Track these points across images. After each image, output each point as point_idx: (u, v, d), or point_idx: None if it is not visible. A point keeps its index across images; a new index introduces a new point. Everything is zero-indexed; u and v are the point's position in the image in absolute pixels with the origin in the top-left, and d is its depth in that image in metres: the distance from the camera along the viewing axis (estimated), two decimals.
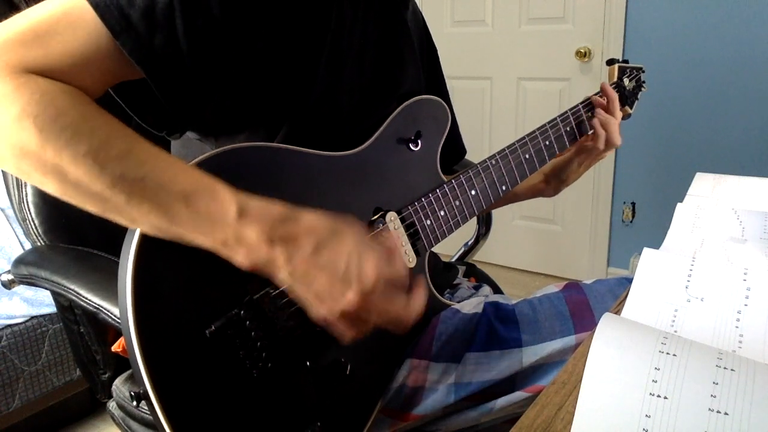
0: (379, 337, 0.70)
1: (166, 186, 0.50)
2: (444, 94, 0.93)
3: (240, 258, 0.52)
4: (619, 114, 0.93)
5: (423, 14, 0.92)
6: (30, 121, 0.47)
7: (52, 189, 0.50)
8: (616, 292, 0.72)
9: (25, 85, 0.48)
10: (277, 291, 0.60)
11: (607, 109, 0.92)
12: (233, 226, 0.51)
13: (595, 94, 0.94)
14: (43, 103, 0.47)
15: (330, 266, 0.53)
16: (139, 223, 0.51)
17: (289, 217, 0.54)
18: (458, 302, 0.79)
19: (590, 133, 0.92)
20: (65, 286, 0.77)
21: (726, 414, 0.36)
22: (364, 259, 0.54)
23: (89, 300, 0.73)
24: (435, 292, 0.77)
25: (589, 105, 0.92)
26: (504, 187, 0.82)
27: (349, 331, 0.57)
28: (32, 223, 0.90)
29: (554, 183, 0.97)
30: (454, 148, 0.95)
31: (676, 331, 0.51)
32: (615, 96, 0.93)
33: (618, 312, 0.55)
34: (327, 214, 0.56)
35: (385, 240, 0.59)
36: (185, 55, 0.55)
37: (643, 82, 1.05)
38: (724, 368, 0.38)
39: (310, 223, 0.54)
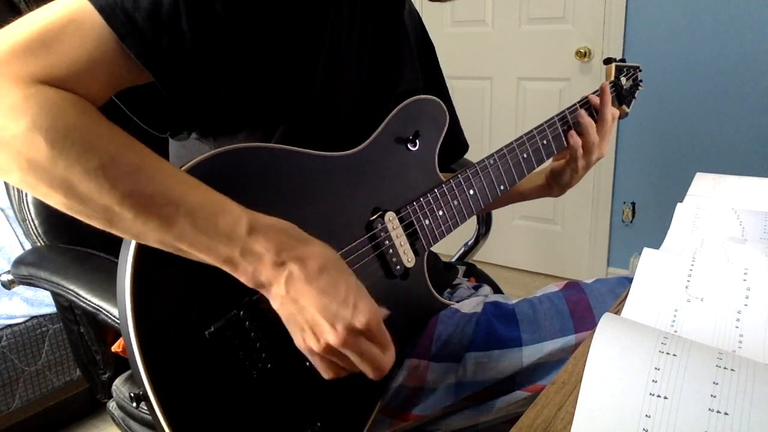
0: None
1: (175, 202, 0.50)
2: (443, 92, 0.93)
3: (244, 275, 0.53)
4: (604, 116, 0.90)
5: (423, 14, 0.92)
6: (41, 135, 0.46)
7: (57, 202, 0.49)
8: (616, 292, 0.72)
9: (34, 96, 0.47)
10: None
11: (599, 111, 0.91)
12: (242, 241, 0.51)
13: (594, 93, 0.94)
14: (53, 115, 0.47)
15: (326, 295, 0.53)
16: (144, 237, 0.51)
17: (299, 238, 0.54)
18: (458, 302, 0.79)
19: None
20: (65, 287, 0.77)
21: (726, 414, 0.36)
22: (360, 300, 0.54)
23: (89, 300, 0.73)
24: (434, 292, 0.77)
25: (586, 104, 0.92)
26: (502, 187, 0.82)
27: (328, 369, 0.56)
28: (32, 223, 0.90)
29: (557, 186, 0.97)
30: (456, 144, 0.95)
31: (676, 331, 0.50)
32: (608, 99, 0.91)
33: (618, 312, 0.55)
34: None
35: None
36: (191, 56, 0.55)
37: (641, 80, 1.05)
38: (724, 368, 0.38)
39: (319, 248, 0.55)
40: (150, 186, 0.49)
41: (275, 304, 0.54)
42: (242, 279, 0.53)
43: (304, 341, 0.54)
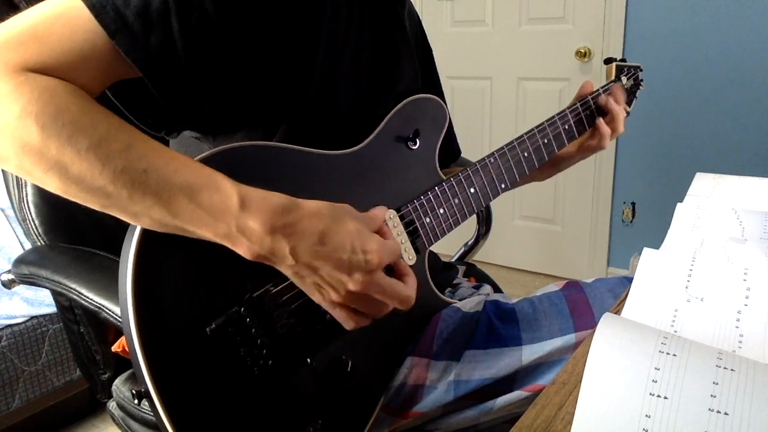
0: (380, 335, 0.70)
1: (168, 179, 0.50)
2: (440, 93, 0.93)
3: (243, 250, 0.53)
4: (615, 112, 0.92)
5: (423, 14, 0.92)
6: (32, 119, 0.47)
7: (54, 186, 0.50)
8: (616, 292, 0.72)
9: (25, 83, 0.48)
10: (277, 288, 0.60)
11: (610, 109, 0.92)
12: (236, 217, 0.52)
13: (594, 93, 0.94)
14: (43, 100, 0.48)
15: (334, 253, 0.54)
16: (141, 217, 0.51)
17: (290, 206, 0.54)
18: (459, 300, 0.79)
19: (590, 129, 0.92)
20: (66, 286, 0.77)
21: (726, 414, 0.36)
22: (366, 243, 0.56)
23: (91, 299, 0.73)
24: (435, 290, 0.77)
25: (586, 104, 0.92)
26: (503, 185, 0.82)
27: (355, 317, 0.58)
28: (32, 223, 0.90)
29: (548, 171, 0.97)
30: (448, 149, 0.95)
31: (676, 331, 0.51)
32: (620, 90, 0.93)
33: (618, 312, 0.55)
34: (324, 201, 0.57)
35: (373, 220, 0.61)
36: (181, 53, 0.55)
37: (641, 80, 1.05)
38: (724, 368, 0.38)
39: (312, 211, 0.55)
40: (142, 163, 0.50)
41: (288, 273, 0.55)
42: (242, 253, 0.53)
43: (323, 297, 0.57)
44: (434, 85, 0.93)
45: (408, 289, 0.59)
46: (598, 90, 0.95)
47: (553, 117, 0.88)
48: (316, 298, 0.57)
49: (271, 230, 0.52)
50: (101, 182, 0.49)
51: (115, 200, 0.50)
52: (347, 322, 0.58)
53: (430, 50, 0.94)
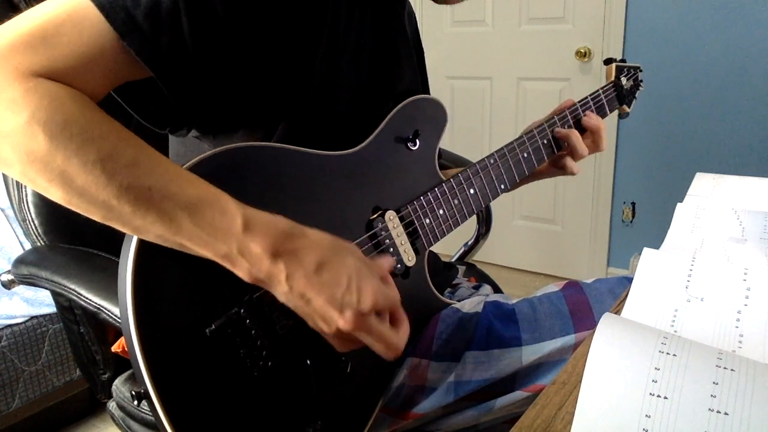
0: None
1: (173, 196, 0.50)
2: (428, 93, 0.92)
3: (242, 272, 0.53)
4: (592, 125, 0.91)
5: (423, 14, 0.92)
6: (40, 128, 0.46)
7: (57, 196, 0.49)
8: (616, 292, 0.72)
9: (33, 89, 0.47)
10: None
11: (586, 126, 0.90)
12: (238, 238, 0.51)
13: (594, 94, 0.94)
14: (52, 109, 0.47)
15: (329, 286, 0.53)
16: (143, 232, 0.51)
17: (294, 232, 0.54)
18: (459, 301, 0.79)
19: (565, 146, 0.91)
20: (66, 286, 0.77)
21: (726, 414, 0.36)
22: (363, 283, 0.55)
23: (90, 300, 0.73)
24: (435, 291, 0.77)
25: (587, 104, 0.92)
26: (503, 186, 0.82)
27: (342, 345, 0.58)
28: (32, 223, 0.90)
29: (526, 182, 0.95)
30: None
31: (676, 331, 0.51)
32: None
33: (618, 312, 0.55)
34: (329, 234, 0.57)
35: (377, 266, 0.59)
36: (191, 53, 0.55)
37: (641, 81, 1.05)
38: (724, 368, 0.38)
39: (314, 240, 0.55)
40: (148, 180, 0.49)
41: (281, 299, 0.55)
42: (240, 275, 0.53)
43: (316, 325, 0.56)
44: (425, 86, 0.93)
45: (398, 338, 0.57)
46: (604, 87, 0.95)
47: (553, 117, 0.89)
48: (309, 323, 0.56)
49: (273, 255, 0.52)
50: (105, 196, 0.48)
51: (117, 214, 0.50)
52: (339, 347, 0.58)
53: (423, 51, 0.94)
